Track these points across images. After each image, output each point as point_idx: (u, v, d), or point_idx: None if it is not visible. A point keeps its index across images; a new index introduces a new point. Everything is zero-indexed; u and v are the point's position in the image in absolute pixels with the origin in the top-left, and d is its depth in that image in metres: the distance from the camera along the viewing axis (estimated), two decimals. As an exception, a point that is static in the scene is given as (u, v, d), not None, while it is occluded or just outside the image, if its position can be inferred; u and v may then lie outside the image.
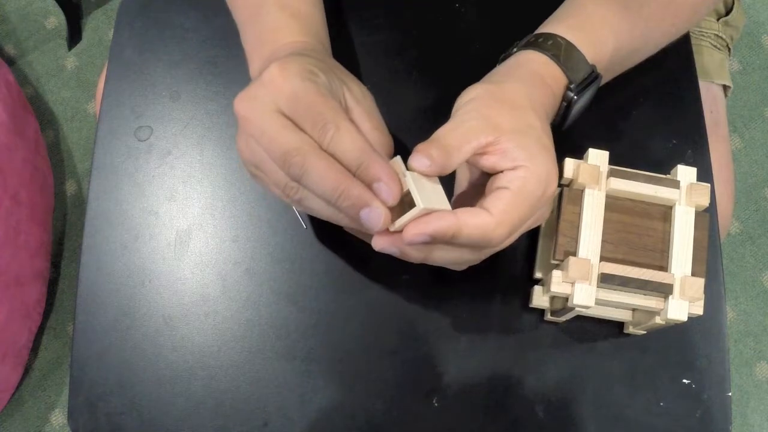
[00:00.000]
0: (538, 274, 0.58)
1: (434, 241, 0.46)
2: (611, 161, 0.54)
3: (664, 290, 0.51)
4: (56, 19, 1.49)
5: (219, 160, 0.62)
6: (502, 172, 0.47)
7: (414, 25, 0.66)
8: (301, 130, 0.45)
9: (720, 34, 0.84)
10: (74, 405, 0.57)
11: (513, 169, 0.47)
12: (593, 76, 0.54)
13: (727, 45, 0.85)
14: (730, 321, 1.33)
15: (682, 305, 0.51)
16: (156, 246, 0.60)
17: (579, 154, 0.55)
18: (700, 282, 0.51)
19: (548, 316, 0.58)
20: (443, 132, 0.47)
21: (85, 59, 1.46)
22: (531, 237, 0.60)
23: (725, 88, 0.85)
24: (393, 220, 0.46)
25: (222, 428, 0.56)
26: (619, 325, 0.59)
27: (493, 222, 0.46)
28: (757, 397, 1.29)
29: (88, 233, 0.60)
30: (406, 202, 0.46)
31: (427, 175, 0.47)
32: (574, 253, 0.52)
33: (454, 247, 0.48)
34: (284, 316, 0.58)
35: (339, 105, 0.46)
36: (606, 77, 0.57)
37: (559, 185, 0.54)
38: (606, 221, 0.52)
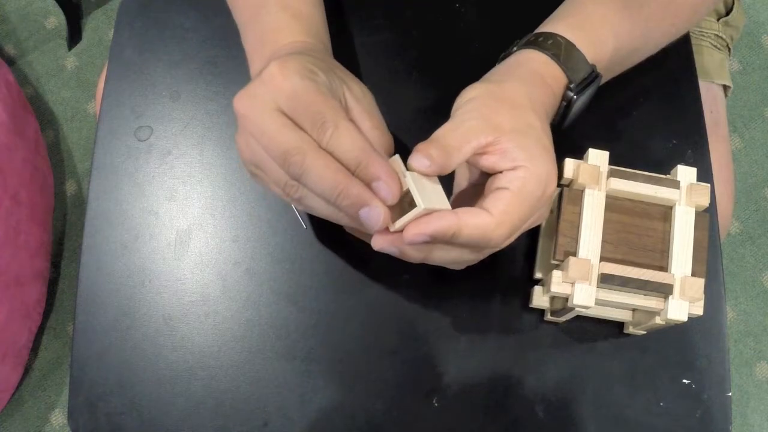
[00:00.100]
0: (538, 275, 0.58)
1: (434, 240, 0.46)
2: (611, 161, 0.54)
3: (664, 290, 0.51)
4: (56, 19, 1.49)
5: (219, 160, 0.62)
6: (501, 172, 0.47)
7: (414, 25, 0.66)
8: (301, 128, 0.45)
9: (720, 34, 0.84)
10: (74, 405, 0.57)
11: (513, 169, 0.47)
12: (593, 75, 0.54)
13: (727, 45, 0.85)
14: (730, 321, 1.33)
15: (682, 305, 0.51)
16: (156, 246, 0.60)
17: (579, 154, 0.55)
18: (700, 282, 0.51)
19: (548, 316, 0.58)
20: (443, 132, 0.47)
21: (85, 59, 1.46)
22: (531, 237, 0.60)
23: (725, 88, 0.85)
24: (392, 219, 0.46)
25: (222, 428, 0.56)
26: (619, 325, 0.59)
27: (494, 222, 0.46)
28: (757, 397, 1.29)
29: (88, 233, 0.60)
30: (405, 202, 0.46)
31: (426, 175, 0.47)
32: (574, 254, 0.52)
33: (454, 247, 0.48)
34: (284, 316, 0.58)
35: (338, 104, 0.46)
36: (606, 77, 0.57)
37: (559, 185, 0.54)
38: (606, 221, 0.52)
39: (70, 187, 1.39)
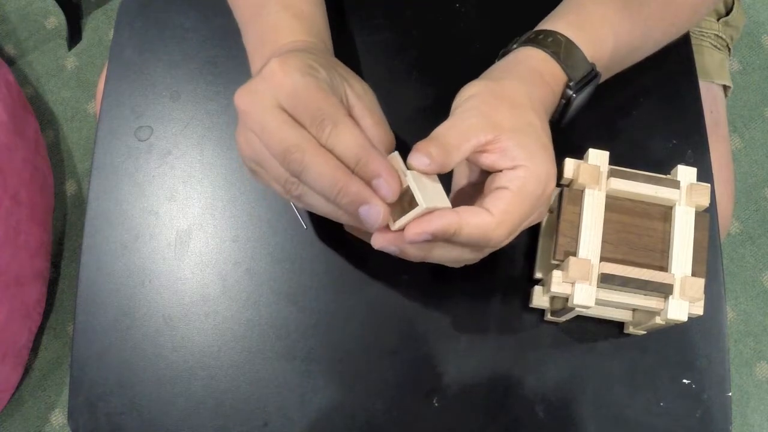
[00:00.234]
0: (538, 274, 0.58)
1: (435, 239, 0.46)
2: (611, 161, 0.54)
3: (664, 290, 0.51)
4: (56, 19, 1.49)
5: (219, 160, 0.62)
6: (501, 171, 0.47)
7: (414, 25, 0.66)
8: (301, 125, 0.45)
9: (720, 34, 0.84)
10: (74, 405, 0.57)
11: (512, 168, 0.47)
12: (592, 74, 0.54)
13: (727, 45, 0.85)
14: (730, 321, 1.33)
15: (682, 305, 0.51)
16: (156, 246, 0.60)
17: (579, 154, 0.55)
18: (701, 282, 0.51)
19: (548, 316, 0.58)
20: (443, 130, 0.47)
21: (85, 59, 1.46)
22: (531, 237, 0.60)
23: (725, 88, 0.85)
24: (392, 218, 0.46)
25: (222, 428, 0.56)
26: (619, 325, 0.59)
27: (494, 222, 0.46)
28: (757, 397, 1.29)
29: (88, 233, 0.60)
30: (405, 200, 0.46)
31: (426, 174, 0.47)
32: (575, 254, 0.52)
33: (454, 246, 0.48)
34: (284, 316, 0.58)
35: (339, 101, 0.46)
36: (605, 75, 0.57)
37: (560, 185, 0.54)
38: (606, 221, 0.52)
39: (70, 187, 1.39)
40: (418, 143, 0.47)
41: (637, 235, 0.53)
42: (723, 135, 0.83)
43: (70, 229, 1.36)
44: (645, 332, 0.58)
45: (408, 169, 0.46)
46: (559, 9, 0.57)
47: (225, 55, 0.65)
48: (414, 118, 0.63)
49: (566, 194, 0.53)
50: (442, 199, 0.47)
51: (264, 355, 0.58)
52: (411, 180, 0.45)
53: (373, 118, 0.48)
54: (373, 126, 0.48)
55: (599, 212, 0.52)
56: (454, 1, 0.67)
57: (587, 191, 0.53)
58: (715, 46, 0.84)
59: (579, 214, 0.52)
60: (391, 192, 0.44)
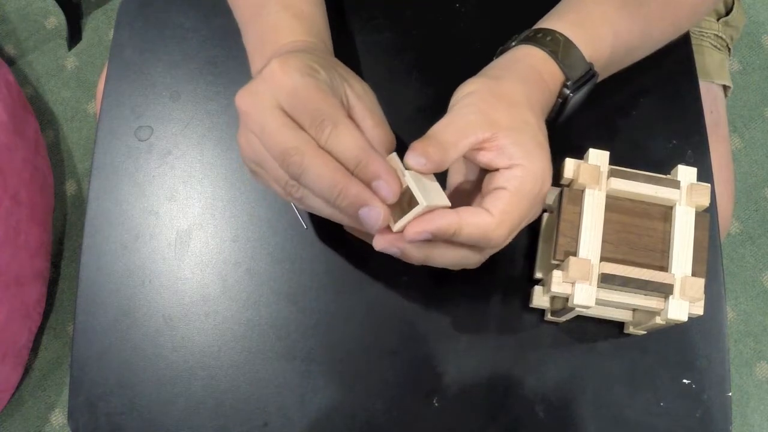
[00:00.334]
0: (538, 275, 0.58)
1: (435, 238, 0.46)
2: (611, 161, 0.54)
3: (664, 290, 0.51)
4: (56, 19, 1.49)
5: (219, 160, 0.62)
6: (498, 170, 0.48)
7: (414, 25, 0.66)
8: (301, 126, 0.45)
9: (720, 34, 0.84)
10: (74, 405, 0.57)
11: (509, 167, 0.47)
12: (590, 74, 0.54)
13: (727, 45, 0.85)
14: (730, 321, 1.33)
15: (683, 305, 0.51)
16: (156, 246, 0.60)
17: (579, 154, 0.55)
18: (701, 282, 0.51)
19: (548, 316, 0.58)
20: (439, 128, 0.47)
21: (85, 59, 1.46)
22: (531, 237, 0.60)
23: (725, 88, 0.85)
24: (393, 219, 0.46)
25: (222, 428, 0.56)
26: (620, 325, 0.59)
27: (494, 222, 0.46)
28: (757, 397, 1.29)
29: (88, 233, 0.60)
30: (404, 201, 0.46)
31: (423, 173, 0.47)
32: (575, 254, 0.52)
33: (455, 249, 0.48)
34: (284, 316, 0.58)
35: (338, 102, 0.46)
36: (604, 74, 0.57)
37: (560, 185, 0.54)
38: (606, 221, 0.52)
39: (70, 187, 1.39)
40: (414, 142, 0.47)
41: (638, 235, 0.53)
42: (723, 135, 0.83)
43: (70, 229, 1.36)
44: (645, 332, 0.58)
45: (406, 168, 0.46)
46: (559, 7, 0.57)
47: (225, 55, 0.65)
48: (414, 118, 0.63)
49: (566, 194, 0.53)
50: (441, 198, 0.47)
51: (264, 355, 0.57)
52: (410, 179, 0.45)
53: (373, 119, 0.48)
54: (373, 127, 0.48)
55: (599, 212, 0.52)
56: (454, 1, 0.67)
57: (587, 191, 0.53)
58: (715, 46, 0.84)
59: (579, 214, 0.52)
60: (391, 193, 0.44)
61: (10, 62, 1.45)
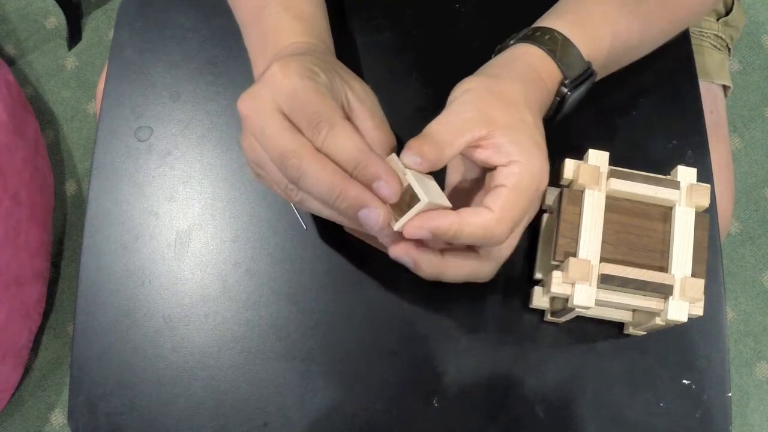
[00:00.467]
0: (538, 275, 0.58)
1: (434, 238, 0.46)
2: (611, 162, 0.54)
3: (664, 291, 0.51)
4: (56, 19, 1.49)
5: (219, 160, 0.62)
6: (495, 168, 0.48)
7: (414, 25, 0.66)
8: (299, 130, 0.45)
9: (720, 34, 0.84)
10: (74, 405, 0.57)
11: (507, 165, 0.47)
12: (588, 73, 0.54)
13: (727, 45, 0.85)
14: (730, 321, 1.33)
15: (682, 306, 0.51)
16: (156, 246, 0.60)
17: (579, 154, 0.55)
18: (701, 283, 0.51)
19: (548, 317, 0.58)
20: (435, 126, 0.47)
21: (85, 59, 1.46)
22: (530, 238, 0.60)
23: (725, 88, 0.85)
24: (393, 218, 0.46)
25: (222, 428, 0.56)
26: (619, 326, 0.59)
27: (494, 218, 0.46)
28: (757, 397, 1.29)
29: (88, 233, 0.60)
30: (404, 201, 0.46)
31: (420, 172, 0.47)
32: (574, 254, 0.52)
33: (466, 260, 0.49)
34: (284, 317, 0.58)
35: (336, 104, 0.46)
36: (602, 73, 0.57)
37: (560, 186, 0.54)
38: (606, 222, 0.52)
39: (70, 187, 1.39)
40: (410, 141, 0.47)
41: (637, 236, 0.53)
42: (723, 135, 0.83)
43: (70, 229, 1.36)
44: (645, 333, 0.58)
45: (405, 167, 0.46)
46: (558, 6, 0.57)
47: (225, 56, 0.65)
48: (414, 117, 0.63)
49: (566, 195, 0.53)
50: (442, 199, 0.48)
51: (264, 356, 0.58)
52: (411, 177, 0.45)
53: (374, 120, 0.48)
54: (374, 128, 0.48)
55: (599, 213, 0.52)
56: (454, 1, 0.67)
57: (587, 192, 0.53)
58: (715, 46, 0.84)
59: (579, 215, 0.52)
60: (392, 193, 0.44)
61: (10, 62, 1.45)
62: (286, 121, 0.45)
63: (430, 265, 0.49)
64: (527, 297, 0.58)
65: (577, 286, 0.51)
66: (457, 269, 0.49)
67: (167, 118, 0.63)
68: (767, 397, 1.29)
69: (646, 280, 0.51)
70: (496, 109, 0.48)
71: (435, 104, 0.63)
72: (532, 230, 0.58)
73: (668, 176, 0.54)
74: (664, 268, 0.52)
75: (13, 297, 1.12)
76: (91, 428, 0.56)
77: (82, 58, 1.46)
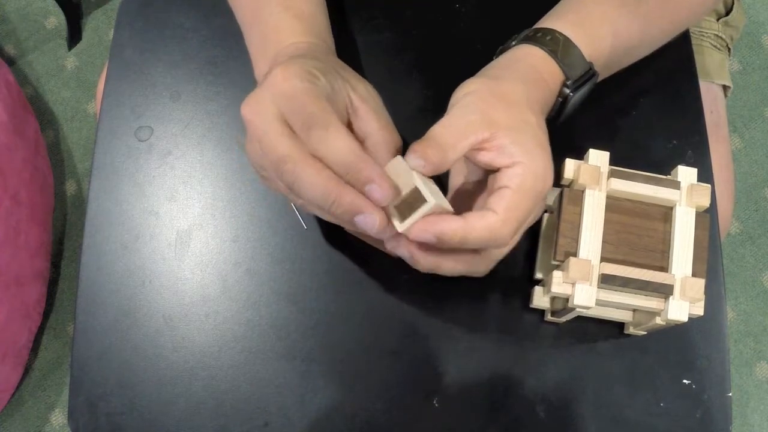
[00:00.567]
0: (538, 275, 0.58)
1: (439, 243, 0.46)
2: (612, 162, 0.54)
3: (664, 291, 0.51)
4: (56, 19, 1.48)
5: (219, 160, 0.62)
6: (499, 170, 0.48)
7: (414, 25, 0.66)
8: (296, 134, 0.45)
9: (720, 34, 0.84)
10: (74, 405, 0.57)
11: (510, 166, 0.47)
12: (590, 73, 0.54)
13: (727, 45, 0.85)
14: (730, 321, 1.33)
15: (683, 306, 0.51)
16: (156, 246, 0.60)
17: (579, 154, 0.55)
18: (701, 283, 0.51)
19: (548, 317, 0.58)
20: (439, 129, 0.47)
21: (85, 59, 1.46)
22: (531, 238, 0.60)
23: (725, 88, 0.85)
24: (399, 218, 0.46)
25: (222, 428, 0.56)
26: (620, 326, 0.59)
27: (500, 220, 0.46)
28: (757, 397, 1.29)
29: (88, 233, 0.60)
30: (408, 203, 0.46)
31: (424, 175, 0.47)
32: (575, 254, 0.52)
33: (463, 256, 0.48)
34: (284, 317, 0.58)
35: (331, 106, 0.46)
36: (603, 74, 0.57)
37: (560, 186, 0.54)
38: (606, 222, 0.52)
39: (70, 187, 1.39)
40: (414, 144, 0.47)
41: (638, 236, 0.53)
42: (723, 135, 0.83)
43: (70, 229, 1.36)
44: (645, 332, 0.58)
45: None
46: (558, 7, 0.57)
47: (225, 55, 0.65)
48: (414, 117, 0.63)
49: (567, 195, 0.53)
50: (445, 202, 0.47)
51: (264, 356, 0.58)
52: (418, 179, 0.45)
53: (379, 120, 0.48)
54: (378, 129, 0.48)
55: (599, 213, 0.52)
56: (454, 1, 0.67)
57: (587, 192, 0.53)
58: (715, 46, 0.84)
59: (579, 215, 0.52)
60: (383, 196, 0.44)
61: (10, 62, 1.45)
62: (285, 127, 0.45)
63: (427, 258, 0.49)
64: (527, 297, 0.58)
65: (578, 285, 0.51)
66: (454, 263, 0.49)
67: (167, 118, 0.63)
68: (767, 397, 1.29)
69: (646, 279, 0.51)
70: (499, 111, 0.48)
71: (435, 104, 0.63)
72: (533, 230, 0.58)
73: (668, 176, 0.54)
74: (664, 268, 0.52)
75: (13, 297, 1.12)
76: (91, 428, 0.56)
77: (82, 58, 1.46)
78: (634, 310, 0.56)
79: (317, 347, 0.58)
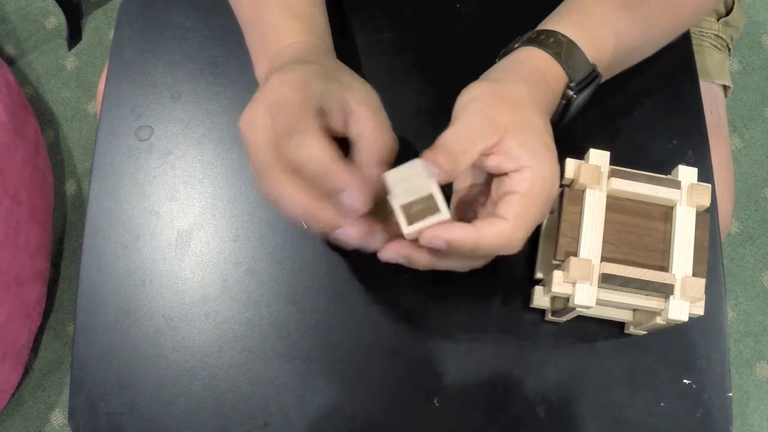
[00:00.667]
0: (538, 275, 0.58)
1: (449, 250, 0.46)
2: (612, 161, 0.54)
3: (664, 290, 0.51)
4: (56, 19, 1.48)
5: (220, 160, 0.62)
6: (506, 174, 0.47)
7: (414, 25, 0.66)
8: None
9: (720, 34, 0.84)
10: (74, 405, 0.57)
11: (518, 170, 0.47)
12: (593, 75, 0.54)
13: (727, 45, 0.85)
14: (730, 321, 1.33)
15: (683, 305, 0.51)
16: (157, 246, 0.60)
17: (580, 154, 0.55)
18: (701, 282, 0.51)
19: (549, 316, 0.58)
20: (448, 137, 0.47)
21: (85, 59, 1.46)
22: (532, 238, 0.59)
23: (725, 88, 0.85)
24: (405, 221, 0.46)
25: (222, 428, 0.56)
26: (620, 325, 0.59)
27: (510, 228, 0.46)
28: (757, 397, 1.29)
29: (88, 233, 0.60)
30: (419, 208, 0.46)
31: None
32: (575, 254, 0.52)
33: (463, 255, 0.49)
34: (285, 316, 0.58)
35: (315, 115, 0.46)
36: (605, 76, 0.57)
37: (561, 185, 0.54)
38: (607, 221, 0.52)
39: (70, 187, 1.39)
40: (424, 152, 0.46)
41: (638, 235, 0.53)
42: (723, 135, 0.83)
43: (70, 229, 1.36)
44: (645, 332, 0.58)
45: None
46: (560, 9, 0.57)
47: (225, 55, 0.65)
48: (414, 118, 0.63)
49: (567, 194, 0.53)
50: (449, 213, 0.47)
51: (264, 355, 0.58)
52: (434, 185, 0.45)
53: (375, 122, 0.48)
54: (371, 130, 0.48)
55: (600, 212, 0.52)
56: (454, 1, 0.67)
57: (588, 191, 0.53)
58: (715, 46, 0.84)
59: (580, 215, 0.52)
60: (355, 204, 0.44)
61: (10, 62, 1.45)
62: (273, 142, 0.45)
63: (423, 259, 0.48)
64: (528, 297, 0.58)
65: (578, 285, 0.51)
66: (451, 262, 0.49)
67: (168, 118, 0.63)
68: (767, 397, 1.29)
69: (646, 279, 0.51)
70: (504, 114, 0.48)
71: (435, 104, 0.63)
72: (533, 230, 0.58)
73: (669, 176, 0.54)
74: (664, 268, 0.52)
75: (13, 297, 1.12)
76: (91, 428, 0.56)
77: (82, 58, 1.46)
78: (635, 310, 0.56)
79: (317, 347, 0.58)
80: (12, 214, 1.12)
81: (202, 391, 0.57)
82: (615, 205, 0.53)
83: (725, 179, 0.80)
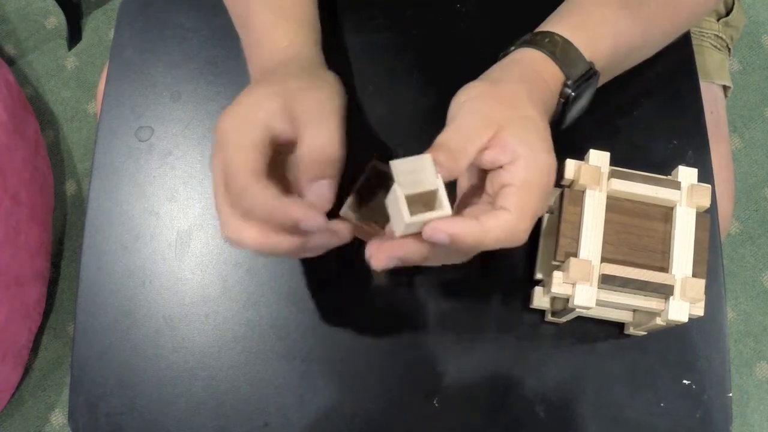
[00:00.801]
0: (538, 275, 0.58)
1: (452, 244, 0.45)
2: (612, 162, 0.54)
3: (664, 291, 0.51)
4: (56, 19, 1.48)
5: (219, 160, 0.62)
6: (502, 167, 0.47)
7: (414, 25, 0.66)
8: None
9: (720, 35, 0.84)
10: (74, 405, 0.57)
11: (512, 162, 0.47)
12: (591, 72, 0.54)
13: (727, 45, 0.85)
14: (730, 321, 1.33)
15: (683, 306, 0.51)
16: (157, 246, 0.60)
17: (580, 155, 0.55)
18: (701, 283, 0.51)
19: (549, 317, 0.58)
20: (447, 136, 0.47)
21: (85, 59, 1.46)
22: (531, 238, 0.59)
23: (725, 88, 0.85)
24: (409, 212, 0.46)
25: (222, 428, 0.56)
26: (620, 326, 0.59)
27: (514, 218, 0.45)
28: (757, 397, 1.29)
29: (88, 233, 0.60)
30: (421, 201, 0.45)
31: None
32: (575, 254, 0.52)
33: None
34: (284, 317, 0.58)
35: (250, 161, 0.46)
36: (605, 76, 0.57)
37: (561, 186, 0.54)
38: (607, 222, 0.52)
39: (70, 187, 1.39)
40: (425, 153, 0.46)
41: (638, 236, 0.53)
42: (723, 135, 0.83)
43: (70, 229, 1.36)
44: (645, 333, 0.58)
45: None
46: (560, 10, 0.57)
47: (225, 55, 0.65)
48: (414, 117, 0.63)
49: (567, 195, 0.53)
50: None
51: (264, 356, 0.58)
52: (441, 182, 0.45)
53: (325, 137, 0.48)
54: (320, 147, 0.48)
55: (600, 213, 0.52)
56: (455, 1, 0.67)
57: (588, 192, 0.53)
58: (715, 47, 0.84)
59: (580, 215, 0.52)
60: (314, 225, 0.45)
61: (10, 62, 1.45)
62: (223, 193, 0.47)
63: (418, 255, 0.48)
64: (528, 297, 0.58)
65: (578, 286, 0.51)
66: (443, 257, 0.49)
67: (168, 118, 0.63)
68: (767, 397, 1.29)
69: (646, 280, 0.51)
70: (499, 111, 0.48)
71: (435, 104, 0.63)
72: (533, 230, 0.58)
73: (669, 176, 0.54)
74: (664, 269, 0.52)
75: (13, 297, 1.12)
76: (91, 428, 0.56)
77: (82, 58, 1.46)
78: (635, 311, 0.56)
79: (317, 347, 0.58)
80: (12, 214, 1.12)
81: (202, 392, 0.57)
82: (615, 205, 0.53)
83: (725, 179, 0.80)
